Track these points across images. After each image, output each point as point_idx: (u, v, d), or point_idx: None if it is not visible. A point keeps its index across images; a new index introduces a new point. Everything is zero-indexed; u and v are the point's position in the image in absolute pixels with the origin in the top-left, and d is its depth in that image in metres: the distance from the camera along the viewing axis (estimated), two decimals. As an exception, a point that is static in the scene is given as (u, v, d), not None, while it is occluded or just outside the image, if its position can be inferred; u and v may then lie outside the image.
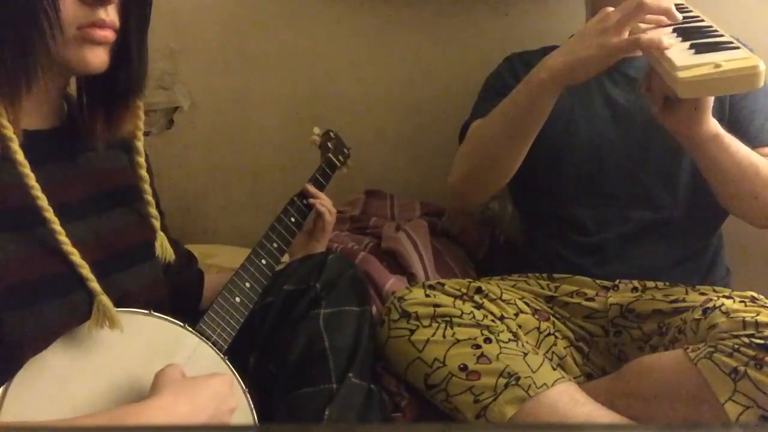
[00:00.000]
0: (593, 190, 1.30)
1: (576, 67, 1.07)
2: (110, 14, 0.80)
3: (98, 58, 0.81)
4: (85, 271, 0.81)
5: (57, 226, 0.79)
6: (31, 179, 0.78)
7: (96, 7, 0.79)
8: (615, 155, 1.29)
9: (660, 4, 1.03)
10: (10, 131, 0.76)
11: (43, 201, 0.78)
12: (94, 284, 0.81)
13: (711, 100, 1.07)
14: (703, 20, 1.11)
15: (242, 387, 0.95)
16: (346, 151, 1.41)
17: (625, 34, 1.03)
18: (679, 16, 1.05)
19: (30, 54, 0.75)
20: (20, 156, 0.77)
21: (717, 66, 0.96)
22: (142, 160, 0.94)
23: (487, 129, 1.24)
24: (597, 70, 1.07)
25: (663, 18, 1.04)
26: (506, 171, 1.24)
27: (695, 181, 1.24)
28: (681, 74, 0.97)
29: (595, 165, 1.30)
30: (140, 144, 0.93)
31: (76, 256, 0.80)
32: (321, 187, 1.30)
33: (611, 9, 1.06)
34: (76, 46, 0.79)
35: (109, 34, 0.81)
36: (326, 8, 1.67)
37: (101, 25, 0.79)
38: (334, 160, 1.37)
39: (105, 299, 0.81)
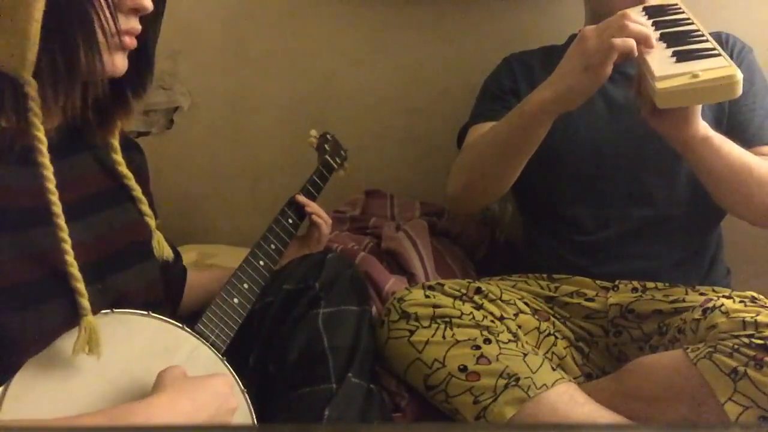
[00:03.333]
0: (593, 189, 1.30)
1: (566, 96, 1.08)
2: (137, 22, 0.83)
3: (123, 63, 0.84)
4: (80, 285, 0.80)
5: (65, 234, 0.79)
6: (52, 183, 0.79)
7: (131, 16, 0.82)
8: (614, 154, 1.29)
9: (641, 30, 1.03)
10: (42, 133, 0.78)
11: (57, 207, 0.79)
12: (85, 301, 0.80)
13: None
14: (691, 22, 1.11)
15: (241, 387, 0.95)
16: (343, 153, 1.41)
17: (610, 63, 1.02)
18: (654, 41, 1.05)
19: (85, 61, 0.78)
20: (46, 159, 0.78)
21: (694, 76, 0.97)
22: (119, 158, 0.94)
23: (483, 147, 1.25)
24: (588, 93, 1.07)
25: (646, 34, 1.04)
26: (503, 185, 1.25)
27: (695, 178, 1.24)
28: (659, 85, 0.98)
29: (595, 164, 1.30)
30: (115, 141, 0.94)
31: (74, 268, 0.80)
32: (318, 189, 1.30)
33: (590, 28, 1.06)
34: (107, 53, 0.81)
35: (134, 42, 0.84)
36: (326, 8, 1.67)
37: (132, 32, 0.83)
38: (332, 162, 1.36)
39: (92, 320, 0.80)
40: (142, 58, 0.88)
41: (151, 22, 0.88)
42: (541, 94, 1.11)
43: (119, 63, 0.83)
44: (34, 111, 0.77)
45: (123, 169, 0.94)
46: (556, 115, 1.12)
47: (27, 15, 0.73)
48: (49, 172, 0.78)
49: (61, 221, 0.79)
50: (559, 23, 1.54)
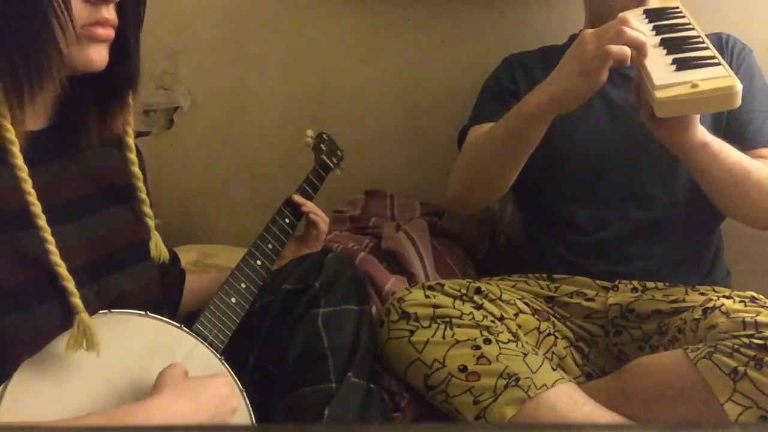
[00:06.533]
0: (592, 189, 1.30)
1: (562, 99, 1.08)
2: (111, 12, 0.81)
3: (101, 55, 0.82)
4: (69, 284, 0.80)
5: (48, 234, 0.78)
6: (28, 184, 0.78)
7: (99, 5, 0.80)
8: (613, 155, 1.29)
9: (638, 37, 1.03)
10: (12, 134, 0.76)
11: (37, 208, 0.78)
12: (77, 300, 0.80)
13: None
14: (692, 28, 1.11)
15: (239, 387, 0.95)
16: (339, 153, 1.41)
17: (606, 69, 1.02)
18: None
19: (42, 56, 0.76)
20: (19, 160, 0.77)
21: (694, 86, 0.97)
22: (133, 156, 0.93)
23: (482, 148, 1.25)
24: (584, 97, 1.07)
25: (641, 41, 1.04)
26: (501, 185, 1.25)
27: (694, 180, 1.24)
28: (658, 94, 0.98)
29: (594, 165, 1.30)
30: (131, 140, 0.93)
31: (62, 268, 0.79)
32: (315, 189, 1.30)
33: (589, 32, 1.06)
34: (80, 45, 0.80)
35: (110, 32, 0.82)
36: (326, 8, 1.67)
37: (104, 23, 0.81)
38: (328, 162, 1.37)
39: (86, 318, 0.80)
40: (123, 48, 0.86)
41: (130, 10, 0.85)
42: (538, 96, 1.11)
43: (95, 56, 0.81)
44: (0, 112, 0.76)
45: (136, 169, 0.94)
46: (553, 116, 1.12)
47: None
48: (23, 173, 0.77)
49: (42, 222, 0.78)
50: (560, 23, 1.53)
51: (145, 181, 0.97)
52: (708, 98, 0.98)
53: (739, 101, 0.98)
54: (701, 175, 1.15)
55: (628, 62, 1.02)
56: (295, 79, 1.71)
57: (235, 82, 1.74)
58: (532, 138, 1.16)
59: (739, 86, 0.97)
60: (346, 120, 1.69)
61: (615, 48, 1.01)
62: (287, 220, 1.21)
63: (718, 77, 0.98)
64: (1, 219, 0.78)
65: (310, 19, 1.68)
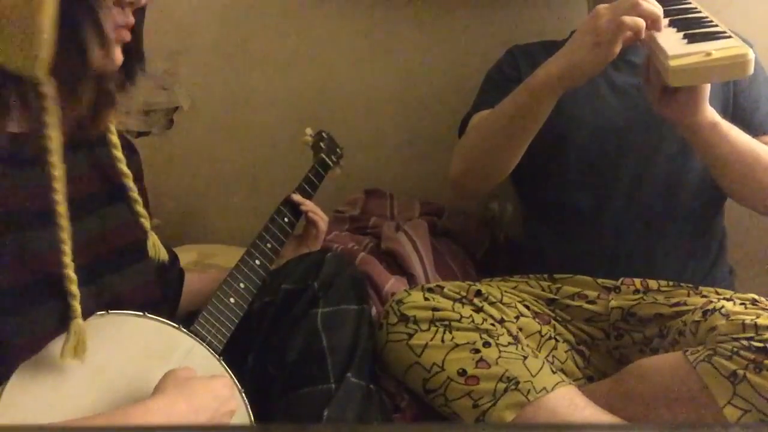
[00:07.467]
0: (596, 175, 1.29)
1: (573, 71, 1.08)
2: (129, 15, 0.83)
3: (119, 56, 0.83)
4: (74, 286, 0.80)
5: (66, 235, 0.79)
6: (60, 182, 0.78)
7: (128, 9, 0.82)
8: (619, 140, 1.28)
9: (653, 9, 1.03)
10: (58, 132, 0.77)
11: (62, 207, 0.78)
12: (76, 303, 0.80)
13: (707, 89, 1.08)
14: (699, 11, 1.13)
15: (238, 387, 0.95)
16: (338, 151, 1.41)
17: (619, 41, 1.03)
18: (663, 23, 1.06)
19: (88, 61, 0.78)
20: (58, 159, 0.78)
21: (707, 54, 0.98)
22: (119, 153, 0.93)
23: (488, 126, 1.24)
24: (595, 70, 1.07)
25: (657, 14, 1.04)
26: (506, 165, 1.24)
27: (698, 166, 1.24)
28: (672, 63, 0.99)
29: (598, 150, 1.29)
30: (114, 138, 0.93)
31: (70, 269, 0.79)
32: (314, 188, 1.30)
33: (603, 6, 1.06)
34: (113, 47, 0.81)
35: (128, 35, 0.84)
36: (326, 8, 1.66)
37: (129, 26, 0.83)
38: (327, 160, 1.36)
39: (80, 324, 0.80)
40: (133, 49, 0.87)
41: (139, 10, 0.86)
42: (548, 69, 1.11)
43: (119, 57, 0.83)
44: (50, 110, 0.76)
45: (123, 167, 0.93)
46: (561, 91, 1.12)
47: (40, 14, 0.72)
48: (60, 171, 0.78)
49: (65, 222, 0.79)
50: (560, 23, 1.53)
51: (140, 180, 0.97)
52: (722, 66, 0.98)
53: (752, 69, 0.98)
54: (709, 156, 1.15)
55: (642, 34, 1.02)
56: (295, 78, 1.71)
57: (235, 82, 1.74)
58: (539, 114, 1.15)
59: (752, 54, 0.98)
60: (346, 119, 1.69)
61: (629, 19, 1.02)
62: (286, 220, 1.20)
63: (730, 47, 0.99)
64: (14, 219, 0.78)
65: (310, 19, 1.68)
